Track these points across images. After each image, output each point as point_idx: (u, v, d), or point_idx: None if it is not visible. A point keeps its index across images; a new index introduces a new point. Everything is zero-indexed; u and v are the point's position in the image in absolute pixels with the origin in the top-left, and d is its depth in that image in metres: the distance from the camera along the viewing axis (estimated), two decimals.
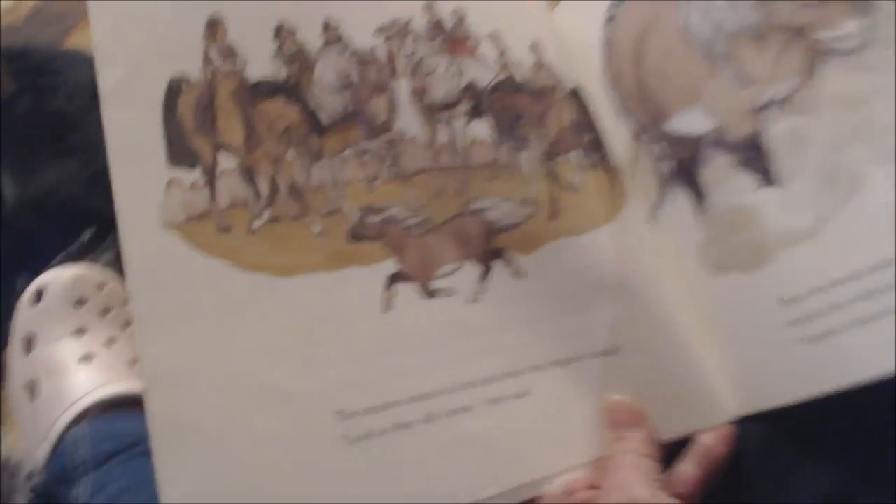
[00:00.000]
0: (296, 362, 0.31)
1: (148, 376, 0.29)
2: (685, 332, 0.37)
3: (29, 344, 0.54)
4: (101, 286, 0.57)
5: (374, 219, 0.34)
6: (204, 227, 0.30)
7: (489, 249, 0.35)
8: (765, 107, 0.35)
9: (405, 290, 0.33)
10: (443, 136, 0.36)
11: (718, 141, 0.36)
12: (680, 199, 0.38)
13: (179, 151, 0.31)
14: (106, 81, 0.30)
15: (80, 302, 0.54)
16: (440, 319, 0.34)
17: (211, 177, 0.31)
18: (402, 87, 0.36)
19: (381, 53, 0.35)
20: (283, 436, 0.30)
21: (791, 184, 0.34)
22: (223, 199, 0.31)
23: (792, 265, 0.34)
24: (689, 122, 0.37)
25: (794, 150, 0.34)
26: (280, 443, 0.30)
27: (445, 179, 0.35)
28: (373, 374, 0.32)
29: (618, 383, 0.35)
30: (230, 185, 0.31)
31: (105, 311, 0.55)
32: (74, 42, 0.96)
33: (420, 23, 0.36)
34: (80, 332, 0.53)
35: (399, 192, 0.34)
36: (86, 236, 0.76)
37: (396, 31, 0.35)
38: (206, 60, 0.32)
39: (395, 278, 0.33)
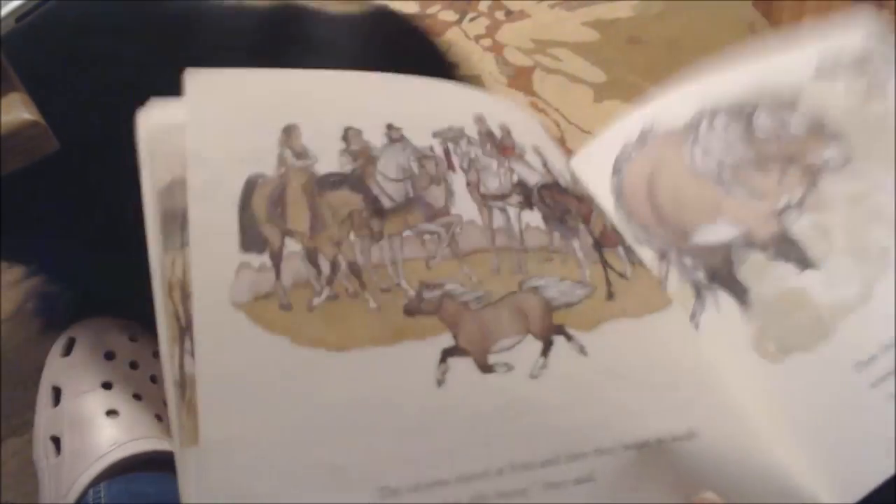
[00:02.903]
0: (344, 437, 0.30)
1: (205, 439, 0.29)
2: (760, 425, 0.35)
3: (57, 395, 0.54)
4: (132, 339, 0.57)
5: (431, 294, 0.33)
6: (268, 305, 0.31)
7: (550, 325, 0.35)
8: (783, 210, 0.38)
9: (461, 365, 0.32)
10: (498, 220, 0.37)
11: (748, 242, 0.38)
12: (721, 300, 0.38)
13: (251, 239, 0.32)
14: (194, 180, 0.33)
15: (110, 355, 0.54)
16: (497, 395, 0.32)
17: (277, 260, 0.32)
18: (458, 179, 0.37)
19: (439, 151, 0.38)
20: None
21: (828, 265, 0.36)
22: (287, 279, 0.32)
23: (855, 329, 0.34)
24: (715, 232, 0.39)
25: (822, 240, 0.37)
26: None
27: (502, 259, 0.36)
28: (421, 450, 0.31)
29: (694, 472, 0.33)
30: (294, 267, 0.32)
31: (133, 364, 0.55)
32: None
33: (472, 131, 0.39)
34: (108, 385, 0.53)
35: (456, 270, 0.35)
36: None
37: (452, 136, 0.38)
38: (281, 160, 0.34)
39: (449, 352, 0.33)
